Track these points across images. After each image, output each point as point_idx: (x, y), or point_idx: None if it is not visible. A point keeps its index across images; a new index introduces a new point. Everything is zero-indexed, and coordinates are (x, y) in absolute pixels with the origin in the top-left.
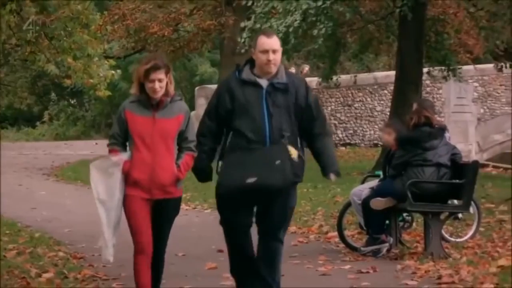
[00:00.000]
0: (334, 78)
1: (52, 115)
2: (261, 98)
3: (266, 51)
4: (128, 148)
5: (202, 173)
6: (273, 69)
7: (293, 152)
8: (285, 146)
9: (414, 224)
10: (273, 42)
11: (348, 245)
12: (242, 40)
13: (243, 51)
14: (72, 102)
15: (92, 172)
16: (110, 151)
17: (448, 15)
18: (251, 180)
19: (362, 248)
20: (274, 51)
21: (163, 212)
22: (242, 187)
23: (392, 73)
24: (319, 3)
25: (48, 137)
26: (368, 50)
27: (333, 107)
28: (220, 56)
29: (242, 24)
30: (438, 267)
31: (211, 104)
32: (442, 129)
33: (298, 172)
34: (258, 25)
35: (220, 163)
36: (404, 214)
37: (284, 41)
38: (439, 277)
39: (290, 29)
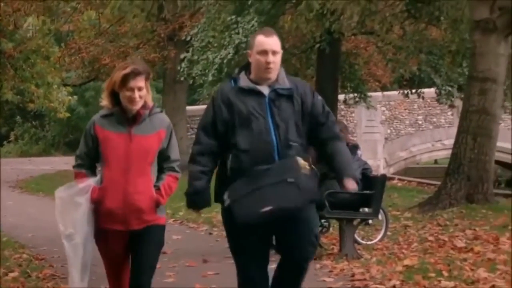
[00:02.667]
0: None
1: (17, 135)
2: (265, 108)
3: (264, 52)
4: (98, 171)
5: (201, 196)
6: (273, 74)
7: (304, 164)
8: (294, 159)
9: (331, 229)
10: (273, 42)
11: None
12: (181, 69)
13: (182, 78)
14: (35, 123)
15: (56, 202)
16: (76, 176)
17: (359, 49)
18: (266, 208)
19: None
20: (274, 53)
21: (143, 245)
22: (258, 218)
23: None
24: (250, 38)
25: (14, 154)
26: None
27: None
28: (163, 84)
29: (182, 56)
30: (352, 266)
31: (207, 119)
32: (355, 147)
33: (314, 186)
34: (195, 57)
35: (225, 195)
36: (322, 220)
37: (219, 71)
38: (353, 275)
39: (224, 61)
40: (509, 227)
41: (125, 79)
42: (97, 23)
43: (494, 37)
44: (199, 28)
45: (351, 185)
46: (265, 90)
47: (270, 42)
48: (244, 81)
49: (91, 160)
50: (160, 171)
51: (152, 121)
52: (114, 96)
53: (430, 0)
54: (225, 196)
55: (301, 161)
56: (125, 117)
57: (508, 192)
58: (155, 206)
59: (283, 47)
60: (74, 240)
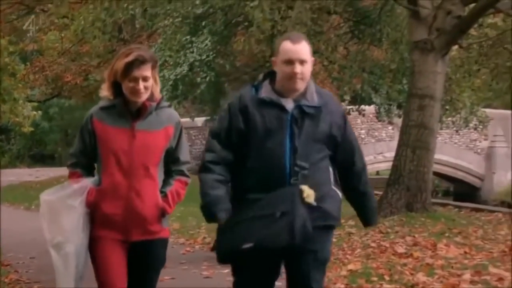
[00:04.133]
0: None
1: None
2: (285, 126)
3: (291, 62)
4: (96, 171)
5: (221, 206)
6: (300, 86)
7: (308, 194)
8: (297, 188)
9: None
10: (301, 50)
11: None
12: None
13: None
14: (1, 137)
15: (42, 207)
16: (70, 175)
17: None
18: (247, 245)
19: None
20: (302, 62)
21: (145, 260)
22: (240, 253)
23: None
24: (203, 57)
25: None
26: None
27: None
28: None
29: None
30: None
31: (221, 125)
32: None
33: (329, 212)
34: None
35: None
36: None
37: (174, 88)
38: None
39: (179, 78)
40: (446, 234)
41: (128, 68)
42: (60, 43)
43: (431, 56)
44: (156, 48)
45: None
46: (289, 104)
47: (297, 49)
48: (266, 91)
49: (87, 158)
50: (168, 174)
51: (159, 116)
52: (116, 87)
53: (372, 22)
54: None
55: (306, 189)
56: (128, 110)
57: (444, 201)
58: (161, 215)
59: (234, 66)
60: (64, 250)
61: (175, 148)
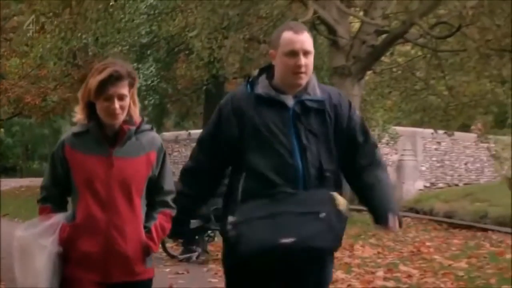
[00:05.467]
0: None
1: None
2: (288, 123)
3: (294, 53)
4: (70, 205)
5: (176, 224)
6: (304, 80)
7: (341, 202)
8: (330, 193)
9: (216, 238)
10: (305, 40)
11: (168, 254)
12: None
13: None
14: None
15: (14, 245)
16: (41, 211)
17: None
18: (286, 240)
19: (179, 256)
20: (305, 53)
21: None
22: (275, 249)
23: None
24: (149, 82)
25: None
26: (186, 118)
27: None
28: None
29: None
30: None
31: (208, 130)
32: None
33: (341, 232)
34: None
35: (231, 218)
36: (209, 231)
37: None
38: None
39: None
40: (362, 237)
41: (103, 85)
42: (21, 68)
43: (349, 80)
44: None
45: (394, 224)
46: (289, 100)
47: (301, 39)
48: (263, 87)
49: (59, 190)
50: (150, 206)
51: (140, 141)
52: (91, 109)
53: None
54: (230, 219)
55: (338, 197)
56: (104, 134)
57: (360, 208)
58: (145, 253)
59: (175, 89)
60: None
61: (158, 176)
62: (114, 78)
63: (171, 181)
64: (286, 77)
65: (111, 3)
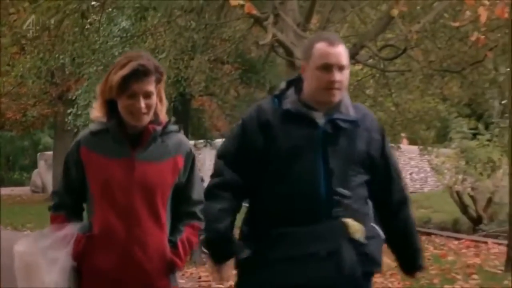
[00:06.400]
0: None
1: None
2: (316, 143)
3: (328, 67)
4: (85, 214)
5: (225, 242)
6: (337, 97)
7: (356, 229)
8: (340, 221)
9: None
10: (341, 53)
11: None
12: (69, 121)
13: (69, 128)
14: None
15: (17, 261)
16: (53, 220)
17: (205, 106)
18: (297, 280)
19: None
20: (340, 68)
21: None
22: None
23: None
24: None
25: None
26: None
27: None
28: (54, 131)
29: (69, 111)
30: (199, 270)
31: (232, 145)
32: (201, 181)
33: (373, 256)
34: (79, 112)
35: (247, 251)
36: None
37: None
38: (199, 277)
39: None
40: None
41: (126, 81)
42: (2, 86)
43: None
44: (82, 90)
45: (415, 277)
46: (319, 118)
47: (337, 52)
48: (292, 102)
49: (74, 197)
50: (176, 217)
51: (166, 143)
52: (111, 107)
53: (257, 70)
54: (247, 252)
55: (353, 224)
56: (126, 136)
57: None
58: (169, 270)
59: None
60: None
61: (186, 184)
62: (139, 73)
63: (200, 189)
64: (318, 92)
65: (86, 27)
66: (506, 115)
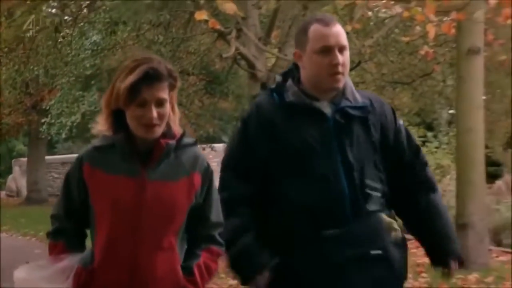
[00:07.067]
0: None
1: None
2: (329, 137)
3: (328, 50)
4: (89, 240)
5: (253, 257)
6: (341, 83)
7: (393, 225)
8: (378, 217)
9: None
10: (339, 33)
11: None
12: (43, 130)
13: (43, 136)
14: None
15: (16, 284)
16: (51, 249)
17: None
18: None
19: None
20: (341, 49)
21: None
22: None
23: None
24: (93, 108)
25: None
26: None
27: None
28: (29, 140)
29: (43, 120)
30: None
31: (236, 153)
32: None
33: (404, 258)
34: (53, 121)
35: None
36: None
37: (70, 131)
38: None
39: (74, 124)
40: None
41: (135, 88)
42: None
43: None
44: (56, 100)
45: (454, 267)
46: (326, 108)
47: (335, 32)
48: (294, 94)
49: (76, 222)
50: (192, 242)
51: (180, 159)
52: (118, 118)
53: (221, 81)
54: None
55: (387, 220)
56: (135, 150)
57: None
58: None
59: None
60: None
61: (203, 205)
62: (151, 78)
63: (219, 210)
64: (319, 79)
65: (59, 40)
66: (453, 124)
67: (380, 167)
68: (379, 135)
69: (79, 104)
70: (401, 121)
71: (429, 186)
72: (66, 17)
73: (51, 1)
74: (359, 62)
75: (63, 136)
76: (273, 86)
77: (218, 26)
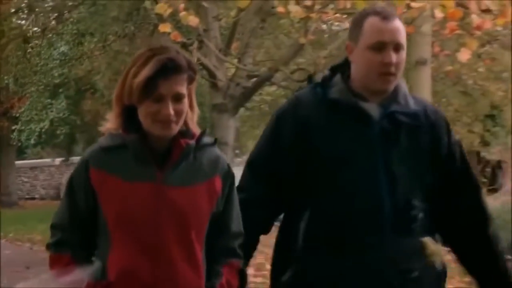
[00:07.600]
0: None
1: None
2: (373, 144)
3: (382, 46)
4: (97, 253)
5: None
6: (392, 85)
7: (435, 252)
8: (422, 241)
9: None
10: (398, 29)
11: None
12: (13, 136)
13: (14, 143)
14: None
15: None
16: (54, 261)
17: None
18: None
19: None
20: (397, 48)
21: None
22: None
23: None
24: (61, 115)
25: None
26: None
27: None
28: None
29: (13, 127)
30: None
31: (261, 149)
32: None
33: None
34: (23, 127)
35: (289, 274)
36: None
37: (39, 137)
38: None
39: (43, 130)
40: None
41: (150, 81)
42: None
43: (226, 115)
44: (25, 108)
45: None
46: (373, 110)
47: (392, 28)
48: (341, 91)
49: (82, 232)
50: (212, 254)
51: (200, 161)
52: (129, 115)
53: None
54: (285, 276)
55: (432, 245)
56: (150, 151)
57: None
58: None
59: (83, 121)
60: None
61: (223, 212)
62: (168, 70)
63: (239, 218)
64: (369, 78)
65: (28, 50)
66: None
67: (428, 184)
68: (430, 146)
69: (47, 111)
70: (456, 136)
71: (482, 217)
72: (35, 29)
73: (20, 13)
74: (314, 72)
75: (32, 142)
76: (319, 79)
77: (179, 39)
